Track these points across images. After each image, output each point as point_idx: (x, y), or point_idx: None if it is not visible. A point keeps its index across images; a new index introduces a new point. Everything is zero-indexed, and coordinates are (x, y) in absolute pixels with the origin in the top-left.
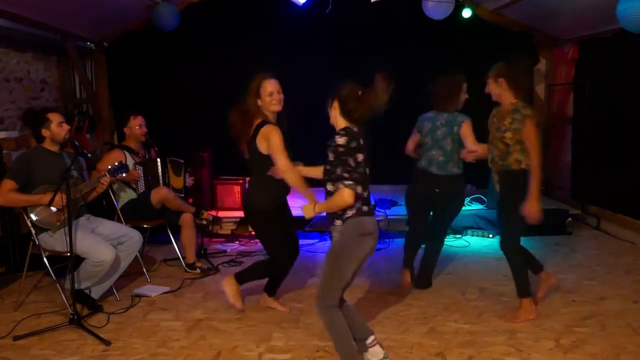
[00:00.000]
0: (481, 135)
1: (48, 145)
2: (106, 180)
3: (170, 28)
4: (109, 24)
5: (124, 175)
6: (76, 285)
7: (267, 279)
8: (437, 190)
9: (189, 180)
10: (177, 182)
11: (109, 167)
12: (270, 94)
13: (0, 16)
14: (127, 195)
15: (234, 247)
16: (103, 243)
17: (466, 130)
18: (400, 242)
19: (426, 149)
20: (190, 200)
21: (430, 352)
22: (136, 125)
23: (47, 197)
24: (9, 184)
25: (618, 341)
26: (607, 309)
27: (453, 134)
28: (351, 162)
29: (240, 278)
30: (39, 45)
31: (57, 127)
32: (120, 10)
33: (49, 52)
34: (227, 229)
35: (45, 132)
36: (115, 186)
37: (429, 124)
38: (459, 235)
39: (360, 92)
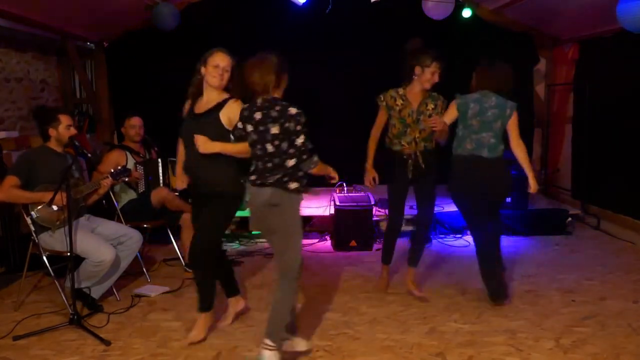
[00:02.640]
0: None
1: (53, 145)
2: (108, 182)
3: (170, 28)
4: (109, 24)
5: (126, 179)
6: (76, 285)
7: None
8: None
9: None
10: (175, 181)
11: (112, 170)
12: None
13: (1, 16)
14: (128, 195)
15: (234, 247)
16: (103, 243)
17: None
18: (399, 242)
19: (473, 131)
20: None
21: (430, 352)
22: (130, 127)
23: (48, 196)
24: (11, 179)
25: (618, 341)
26: (607, 309)
27: (505, 117)
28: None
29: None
30: (39, 45)
31: (64, 129)
32: (120, 10)
33: (49, 52)
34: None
35: (52, 132)
36: (117, 187)
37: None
38: (459, 235)
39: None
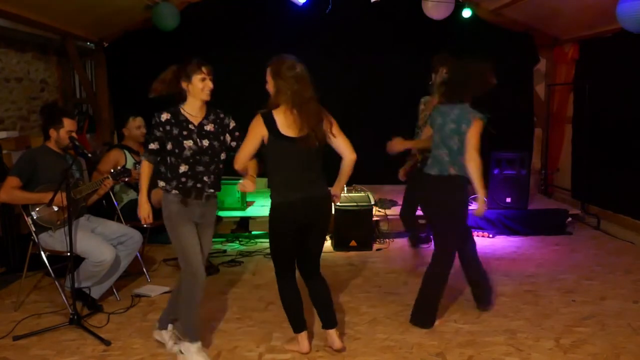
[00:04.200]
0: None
1: (52, 145)
2: (109, 183)
3: (170, 28)
4: (109, 24)
5: (126, 179)
6: (76, 285)
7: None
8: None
9: None
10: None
11: (112, 170)
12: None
13: (0, 16)
14: (127, 195)
15: (234, 247)
16: (103, 243)
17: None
18: (399, 242)
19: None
20: None
21: (430, 352)
22: (135, 127)
23: (49, 196)
24: (13, 180)
25: (618, 341)
26: (607, 309)
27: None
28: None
29: None
30: (39, 45)
31: (64, 134)
32: (120, 10)
33: (49, 52)
34: (227, 228)
35: (52, 132)
36: (116, 187)
37: (440, 118)
38: None
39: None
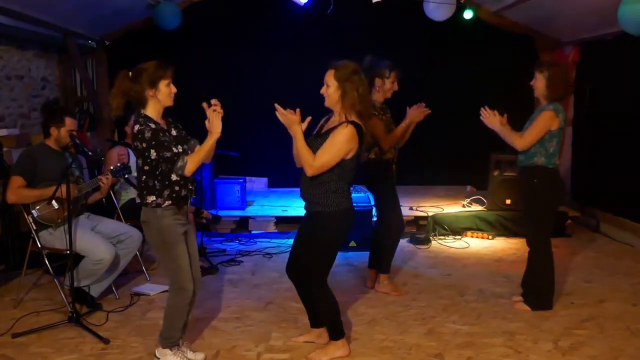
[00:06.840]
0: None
1: (51, 143)
2: (108, 180)
3: (172, 27)
4: (110, 22)
5: (126, 176)
6: (75, 283)
7: None
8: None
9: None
10: None
11: (111, 167)
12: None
13: (2, 14)
14: (127, 194)
15: (233, 246)
16: (102, 241)
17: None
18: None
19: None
20: None
21: (429, 353)
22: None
23: (52, 191)
24: (17, 180)
25: (617, 344)
26: (606, 312)
27: None
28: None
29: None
30: (41, 43)
31: (65, 133)
32: (122, 8)
33: (50, 50)
34: (227, 228)
35: (53, 131)
36: (116, 186)
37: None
38: (459, 237)
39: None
